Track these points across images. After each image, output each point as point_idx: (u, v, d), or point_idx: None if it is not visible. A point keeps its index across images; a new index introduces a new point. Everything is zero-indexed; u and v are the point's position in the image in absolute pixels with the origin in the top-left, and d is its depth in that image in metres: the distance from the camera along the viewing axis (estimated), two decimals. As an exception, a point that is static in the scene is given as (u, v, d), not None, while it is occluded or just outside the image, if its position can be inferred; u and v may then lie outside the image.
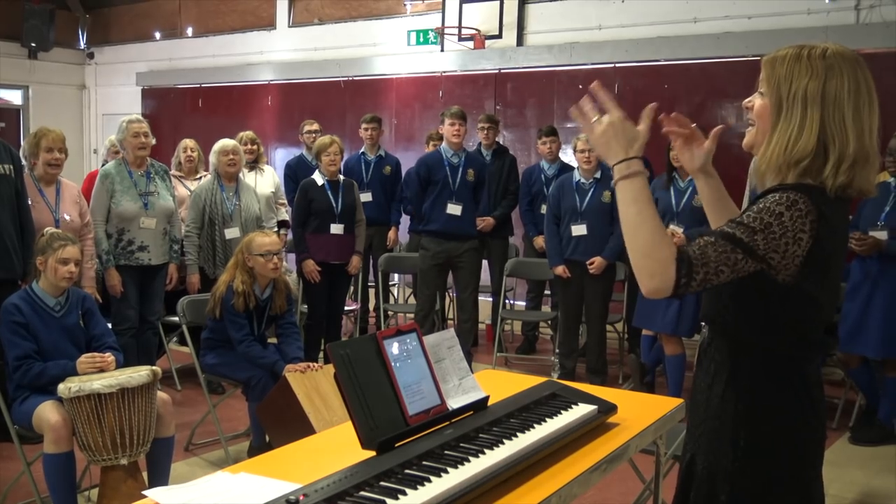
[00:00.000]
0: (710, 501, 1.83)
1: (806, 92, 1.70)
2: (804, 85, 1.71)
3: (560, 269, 5.78)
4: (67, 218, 4.90)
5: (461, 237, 6.02)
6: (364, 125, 7.11)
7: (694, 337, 5.47)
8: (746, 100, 1.85)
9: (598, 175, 5.75)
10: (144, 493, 1.94)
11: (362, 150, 7.14)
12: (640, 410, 2.61)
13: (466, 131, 6.12)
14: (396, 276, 8.44)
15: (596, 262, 5.65)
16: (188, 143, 6.51)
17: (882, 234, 4.79)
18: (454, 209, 5.97)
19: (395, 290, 8.60)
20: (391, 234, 7.07)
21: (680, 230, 5.21)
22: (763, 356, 1.78)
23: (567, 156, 7.29)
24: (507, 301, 7.10)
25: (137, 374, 3.48)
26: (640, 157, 1.77)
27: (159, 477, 3.65)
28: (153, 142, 5.41)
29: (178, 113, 11.47)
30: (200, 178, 6.37)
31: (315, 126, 7.35)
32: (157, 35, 11.85)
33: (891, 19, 6.65)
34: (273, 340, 4.67)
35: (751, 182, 4.53)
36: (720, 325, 1.85)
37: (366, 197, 6.77)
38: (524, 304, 7.42)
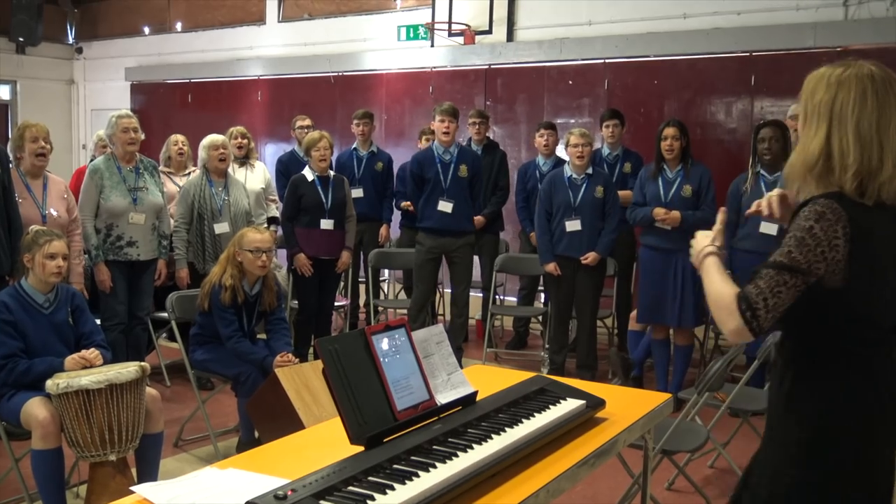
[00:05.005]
0: (774, 486, 1.94)
1: (819, 105, 1.90)
2: (818, 99, 1.90)
3: (551, 267, 5.75)
4: (54, 213, 4.87)
5: (456, 233, 6.03)
6: (356, 121, 7.09)
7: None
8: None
9: (589, 171, 5.74)
10: (132, 488, 1.94)
11: (354, 145, 7.12)
12: (628, 405, 2.62)
13: (457, 128, 6.10)
14: (387, 271, 8.44)
15: (590, 257, 5.65)
16: (178, 137, 6.49)
17: None
18: (445, 206, 5.97)
19: (385, 286, 8.59)
20: (383, 230, 7.05)
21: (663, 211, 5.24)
22: (825, 355, 1.91)
23: (562, 151, 7.30)
24: (497, 297, 7.10)
25: (126, 370, 3.47)
26: (716, 246, 2.05)
27: (148, 473, 3.64)
28: (142, 137, 5.39)
29: (167, 108, 11.42)
30: (189, 173, 6.35)
31: (307, 122, 7.33)
32: (146, 30, 11.80)
33: (879, 15, 6.67)
34: (263, 336, 4.67)
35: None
36: (783, 326, 1.98)
37: (357, 193, 6.76)
38: (514, 299, 7.43)
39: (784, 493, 1.92)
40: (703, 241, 2.08)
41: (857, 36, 6.70)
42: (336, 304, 6.44)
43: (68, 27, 12.62)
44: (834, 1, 6.88)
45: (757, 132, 5.19)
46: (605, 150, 6.53)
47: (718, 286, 1.93)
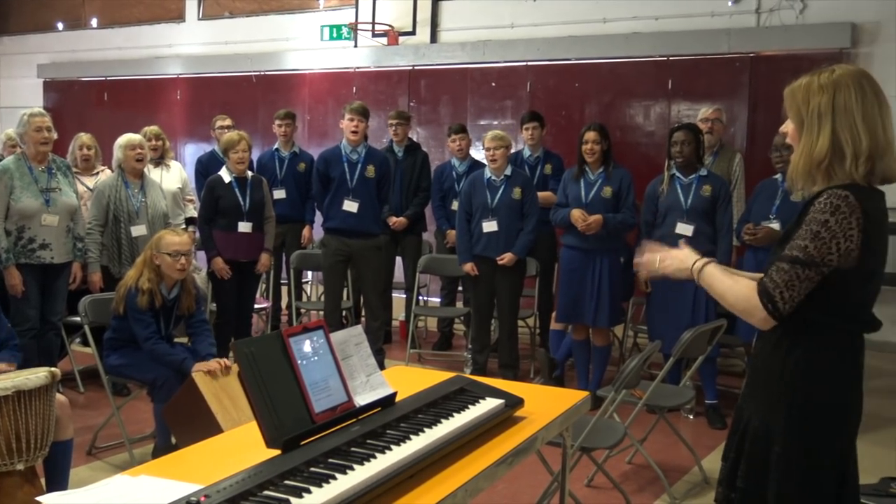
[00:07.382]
0: (765, 454, 2.10)
1: (819, 107, 2.03)
2: (817, 102, 2.04)
3: (469, 267, 5.79)
4: (-39, 215, 4.70)
5: (362, 234, 5.92)
6: (278, 121, 7.00)
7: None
8: (782, 127, 2.19)
9: (508, 172, 5.79)
10: (40, 498, 1.88)
11: (276, 146, 7.04)
12: (547, 403, 2.65)
13: (367, 127, 6.04)
14: (309, 273, 8.37)
15: (506, 257, 5.69)
16: (84, 138, 6.26)
17: (775, 226, 4.96)
18: (350, 206, 5.87)
19: (307, 288, 8.52)
20: (305, 231, 6.98)
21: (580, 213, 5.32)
22: (823, 330, 2.06)
23: (480, 153, 7.34)
24: (420, 297, 7.10)
25: (34, 377, 3.35)
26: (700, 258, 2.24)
27: (58, 482, 3.53)
28: (55, 136, 5.22)
29: (82, 107, 11.10)
30: (97, 173, 6.18)
31: (227, 122, 7.21)
32: (60, 26, 11.45)
33: (789, 23, 6.91)
34: (180, 340, 4.57)
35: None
36: None
37: (279, 194, 6.69)
38: (438, 300, 7.45)
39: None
40: (690, 256, 2.24)
41: (768, 42, 6.92)
42: (258, 306, 6.35)
43: (-24, 21, 12.17)
44: (746, 8, 7.11)
45: (671, 135, 5.30)
46: (526, 152, 6.59)
47: (734, 288, 2.10)
